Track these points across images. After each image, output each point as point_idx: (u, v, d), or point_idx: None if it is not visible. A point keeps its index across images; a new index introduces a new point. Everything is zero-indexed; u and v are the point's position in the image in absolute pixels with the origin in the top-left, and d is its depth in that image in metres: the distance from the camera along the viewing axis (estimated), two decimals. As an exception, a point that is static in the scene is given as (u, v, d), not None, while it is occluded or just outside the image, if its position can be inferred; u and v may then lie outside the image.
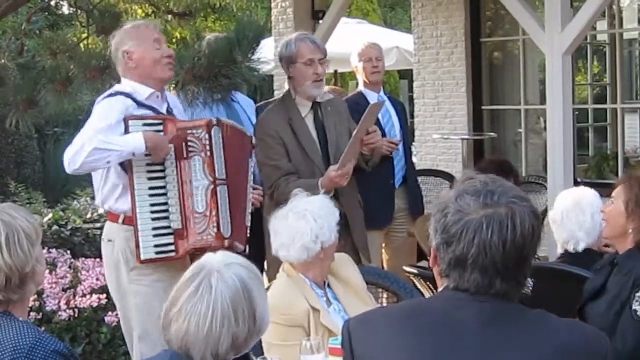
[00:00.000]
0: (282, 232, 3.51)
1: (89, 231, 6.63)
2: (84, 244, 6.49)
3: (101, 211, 7.02)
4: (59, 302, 5.28)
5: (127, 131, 3.94)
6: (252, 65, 4.74)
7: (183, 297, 2.29)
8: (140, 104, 4.04)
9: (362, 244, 4.79)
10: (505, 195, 2.03)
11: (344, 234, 4.65)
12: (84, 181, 11.77)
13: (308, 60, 4.57)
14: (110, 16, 5.54)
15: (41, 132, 12.51)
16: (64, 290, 5.40)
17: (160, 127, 4.01)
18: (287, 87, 6.25)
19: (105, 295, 5.30)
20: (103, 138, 3.83)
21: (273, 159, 4.58)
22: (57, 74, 4.94)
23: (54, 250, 6.02)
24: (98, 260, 5.82)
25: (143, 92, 4.07)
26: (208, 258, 2.38)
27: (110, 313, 5.25)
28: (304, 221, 3.46)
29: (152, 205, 3.98)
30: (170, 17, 5.94)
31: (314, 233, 3.45)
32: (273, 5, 9.54)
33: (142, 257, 3.91)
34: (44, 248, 5.94)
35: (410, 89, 11.55)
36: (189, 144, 4.02)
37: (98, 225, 6.71)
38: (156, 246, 3.93)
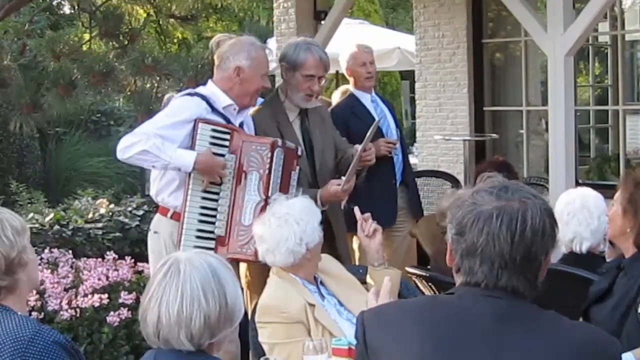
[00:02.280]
0: (267, 237, 3.55)
1: (90, 231, 6.64)
2: (85, 244, 6.50)
3: (102, 211, 7.02)
4: (61, 301, 5.27)
5: (194, 131, 4.08)
6: None
7: (154, 283, 2.32)
8: (214, 110, 4.16)
9: (344, 252, 4.77)
10: (519, 191, 2.08)
11: (327, 240, 4.71)
12: (85, 181, 11.80)
13: (309, 75, 4.53)
14: (114, 18, 5.54)
15: (42, 132, 12.49)
16: (66, 289, 5.39)
17: (227, 137, 4.14)
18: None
19: (106, 295, 5.30)
20: (158, 142, 3.98)
21: None
22: (61, 78, 4.96)
23: (55, 250, 6.02)
24: (99, 259, 5.83)
25: (223, 100, 4.20)
26: (179, 252, 2.46)
27: (112, 313, 5.24)
28: (287, 225, 3.50)
29: (202, 207, 4.13)
30: (172, 20, 5.95)
31: (297, 236, 3.49)
32: (275, 5, 9.53)
33: None
34: (45, 248, 5.99)
35: (412, 90, 11.54)
36: (251, 157, 4.15)
37: (99, 225, 6.71)
38: (196, 247, 4.02)
